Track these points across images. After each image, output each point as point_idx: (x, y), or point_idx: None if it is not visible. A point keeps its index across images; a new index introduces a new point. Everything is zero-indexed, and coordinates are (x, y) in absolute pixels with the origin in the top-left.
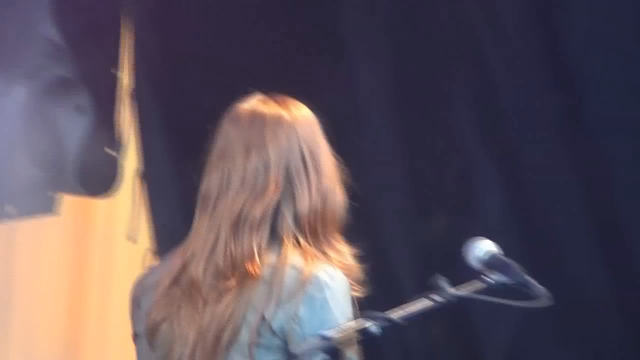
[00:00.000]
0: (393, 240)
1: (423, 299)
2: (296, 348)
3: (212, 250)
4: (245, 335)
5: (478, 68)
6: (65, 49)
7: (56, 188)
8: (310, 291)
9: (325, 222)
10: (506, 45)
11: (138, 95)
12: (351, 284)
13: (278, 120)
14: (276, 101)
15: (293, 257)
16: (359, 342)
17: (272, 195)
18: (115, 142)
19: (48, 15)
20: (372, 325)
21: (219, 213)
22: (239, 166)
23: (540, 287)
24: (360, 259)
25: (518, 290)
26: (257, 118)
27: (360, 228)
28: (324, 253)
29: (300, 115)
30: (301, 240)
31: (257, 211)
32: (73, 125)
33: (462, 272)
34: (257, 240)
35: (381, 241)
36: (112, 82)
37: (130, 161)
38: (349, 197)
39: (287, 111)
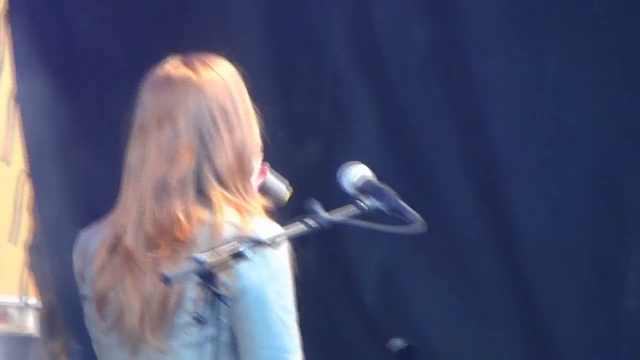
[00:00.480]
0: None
1: (297, 223)
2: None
3: (140, 220)
4: (190, 295)
5: None
6: None
7: None
8: None
9: (244, 176)
10: None
11: (12, 18)
12: None
13: (186, 86)
14: (187, 64)
15: (228, 214)
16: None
17: (188, 160)
18: None
19: None
20: (245, 250)
21: (142, 184)
22: (154, 138)
23: (414, 212)
24: None
25: (392, 216)
26: (167, 86)
27: None
28: (251, 205)
29: (209, 76)
30: (229, 196)
31: (175, 177)
32: None
33: (337, 197)
34: (182, 206)
35: None
36: None
37: (5, 83)
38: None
39: (196, 74)
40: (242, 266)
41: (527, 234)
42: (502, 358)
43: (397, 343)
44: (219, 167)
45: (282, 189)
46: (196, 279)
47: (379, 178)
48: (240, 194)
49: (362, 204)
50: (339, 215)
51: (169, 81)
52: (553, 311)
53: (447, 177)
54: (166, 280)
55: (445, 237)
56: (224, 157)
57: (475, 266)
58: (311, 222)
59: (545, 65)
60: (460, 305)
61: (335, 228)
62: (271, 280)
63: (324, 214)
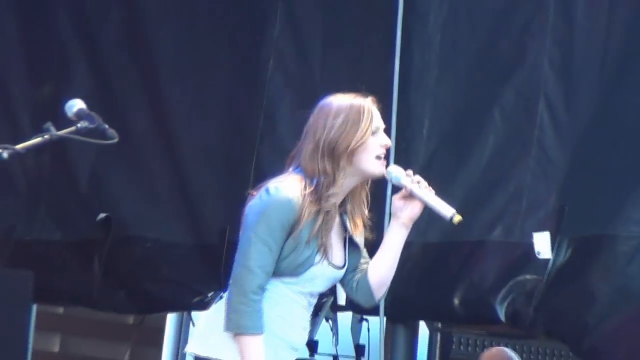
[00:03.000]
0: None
1: (38, 136)
2: None
3: None
4: None
5: None
6: None
7: None
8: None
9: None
10: None
11: None
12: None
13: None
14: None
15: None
16: None
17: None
18: None
19: None
20: (2, 152)
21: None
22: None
23: (111, 130)
24: None
25: (97, 132)
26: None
27: None
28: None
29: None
30: None
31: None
32: None
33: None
34: None
35: None
36: None
37: None
38: None
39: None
40: None
41: None
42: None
43: (102, 216)
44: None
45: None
46: None
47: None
48: None
49: (78, 124)
50: (64, 132)
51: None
52: None
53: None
54: None
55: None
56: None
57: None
58: (47, 135)
59: None
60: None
61: (62, 140)
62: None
63: (55, 131)
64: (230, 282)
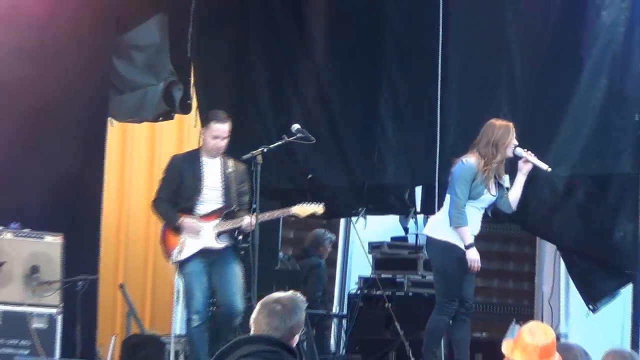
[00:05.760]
0: None
1: (279, 141)
2: None
3: None
4: None
5: None
6: None
7: None
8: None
9: None
10: None
11: None
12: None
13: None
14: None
15: None
16: None
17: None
18: None
19: None
20: (258, 156)
21: None
22: None
23: (311, 137)
24: None
25: (305, 138)
26: None
27: None
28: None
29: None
30: None
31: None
32: None
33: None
34: None
35: None
36: None
37: None
38: None
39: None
40: None
41: None
42: None
43: (309, 176)
44: None
45: None
46: None
47: None
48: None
49: (297, 134)
50: (292, 138)
51: None
52: None
53: None
54: None
55: None
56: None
57: None
58: (283, 140)
59: None
60: None
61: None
62: None
63: (287, 138)
64: (451, 204)
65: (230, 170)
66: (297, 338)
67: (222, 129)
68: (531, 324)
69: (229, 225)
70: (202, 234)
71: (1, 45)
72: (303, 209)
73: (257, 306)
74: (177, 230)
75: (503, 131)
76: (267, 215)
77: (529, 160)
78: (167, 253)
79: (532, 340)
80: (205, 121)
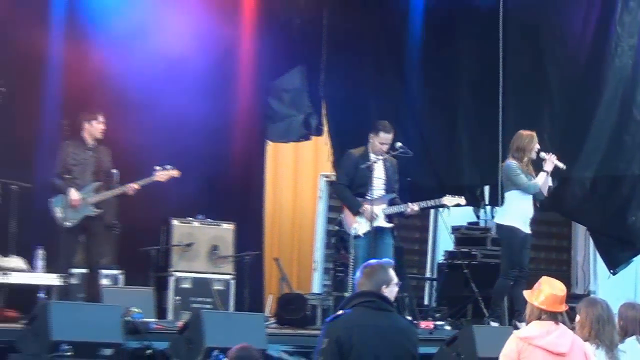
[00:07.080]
0: None
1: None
2: None
3: None
4: None
5: None
6: None
7: None
8: None
9: None
10: None
11: None
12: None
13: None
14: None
15: None
16: None
17: None
18: None
19: None
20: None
21: None
22: None
23: (410, 151)
24: None
25: (407, 153)
26: None
27: None
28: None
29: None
30: None
31: None
32: None
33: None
34: None
35: None
36: None
37: None
38: None
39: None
40: None
41: None
42: None
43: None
44: None
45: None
46: None
47: None
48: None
49: (400, 150)
50: (395, 153)
51: None
52: None
53: None
54: None
55: None
56: None
57: None
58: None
59: None
60: None
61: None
62: None
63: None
64: (521, 190)
65: (389, 164)
66: (389, 289)
67: (388, 137)
68: (547, 278)
69: (395, 209)
70: (374, 217)
71: (182, 89)
72: (450, 200)
73: (358, 273)
74: (357, 213)
75: (529, 139)
76: (422, 204)
77: (549, 160)
78: (348, 227)
79: (552, 290)
80: (374, 130)
